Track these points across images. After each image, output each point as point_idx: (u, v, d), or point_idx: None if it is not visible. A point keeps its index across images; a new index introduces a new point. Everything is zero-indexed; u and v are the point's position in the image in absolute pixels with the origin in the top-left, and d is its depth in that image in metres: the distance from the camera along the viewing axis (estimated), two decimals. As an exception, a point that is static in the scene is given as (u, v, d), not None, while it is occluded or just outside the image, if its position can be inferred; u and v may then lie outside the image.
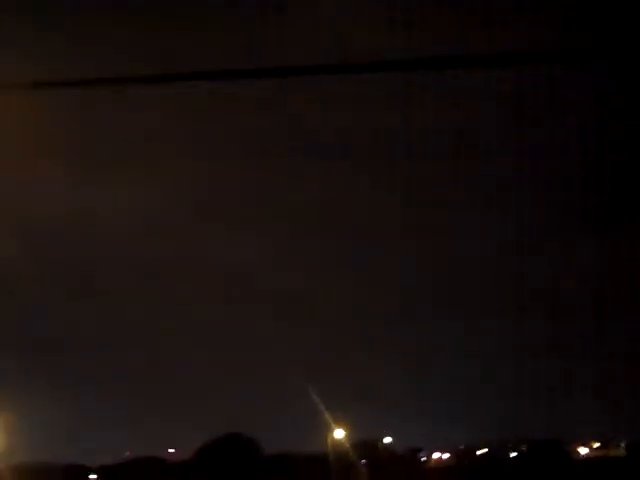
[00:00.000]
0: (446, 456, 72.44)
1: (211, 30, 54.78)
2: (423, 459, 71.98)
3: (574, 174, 63.17)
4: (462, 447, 72.54)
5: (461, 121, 62.78)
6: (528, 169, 65.63)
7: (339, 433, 58.12)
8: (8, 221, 58.04)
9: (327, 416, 55.17)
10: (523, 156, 63.28)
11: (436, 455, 72.60)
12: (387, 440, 67.57)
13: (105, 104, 48.23)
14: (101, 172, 62.07)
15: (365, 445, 63.06)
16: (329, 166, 65.97)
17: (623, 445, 70.72)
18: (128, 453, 64.47)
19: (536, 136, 64.52)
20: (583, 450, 71.71)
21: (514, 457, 69.80)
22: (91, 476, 64.75)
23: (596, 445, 72.77)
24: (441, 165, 64.61)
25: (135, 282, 70.57)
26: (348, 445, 59.00)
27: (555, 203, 69.00)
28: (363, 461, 61.09)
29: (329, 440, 57.96)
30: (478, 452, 71.46)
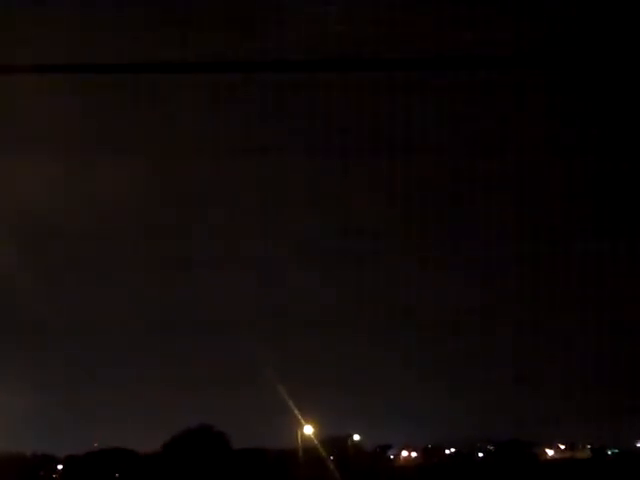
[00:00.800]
0: (414, 454, 72.82)
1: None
2: (391, 457, 72.30)
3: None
4: (430, 446, 72.96)
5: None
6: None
7: (308, 429, 58.31)
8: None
9: (297, 413, 55.34)
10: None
11: (404, 453, 72.94)
12: (356, 437, 67.81)
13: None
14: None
15: (334, 441, 63.26)
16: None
17: (589, 447, 71.67)
18: (95, 444, 64.07)
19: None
20: (549, 452, 72.46)
21: (482, 457, 70.39)
22: (58, 466, 64.32)
23: (562, 447, 73.57)
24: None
25: (118, 273, 70.21)
26: (317, 441, 59.16)
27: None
28: (331, 457, 61.24)
29: (299, 436, 58.13)
30: (447, 451, 71.95)
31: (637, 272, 68.42)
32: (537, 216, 70.62)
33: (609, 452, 70.30)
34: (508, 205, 71.87)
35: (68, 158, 58.21)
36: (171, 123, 63.56)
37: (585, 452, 71.48)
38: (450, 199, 71.03)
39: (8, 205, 58.66)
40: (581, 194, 69.60)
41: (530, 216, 70.16)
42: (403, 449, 72.75)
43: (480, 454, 71.01)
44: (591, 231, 70.08)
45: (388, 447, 71.62)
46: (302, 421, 57.12)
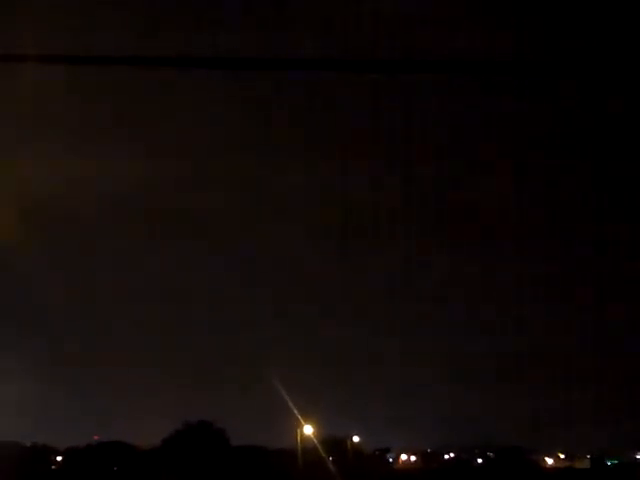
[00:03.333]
0: (413, 458, 72.70)
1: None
2: (390, 460, 72.16)
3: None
4: (429, 450, 72.85)
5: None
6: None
7: (308, 429, 58.13)
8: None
9: (297, 413, 55.20)
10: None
11: (404, 457, 72.84)
12: (356, 439, 67.63)
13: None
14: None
15: (334, 442, 63.07)
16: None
17: (588, 457, 71.43)
18: (95, 437, 64.07)
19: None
20: (549, 460, 72.29)
21: (481, 463, 70.19)
22: (57, 458, 64.34)
23: (562, 456, 73.41)
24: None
25: (120, 264, 70.18)
26: (317, 441, 58.98)
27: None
28: (330, 458, 61.10)
29: (298, 436, 57.92)
30: (445, 456, 71.80)
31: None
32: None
33: (608, 463, 70.09)
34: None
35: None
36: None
37: (584, 462, 71.24)
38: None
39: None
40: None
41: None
42: (402, 453, 72.67)
43: (479, 460, 70.84)
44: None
45: (387, 450, 71.48)
46: (302, 421, 56.97)
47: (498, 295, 73.44)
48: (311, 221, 72.26)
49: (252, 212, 71.29)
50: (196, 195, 69.40)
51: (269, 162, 67.26)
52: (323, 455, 58.53)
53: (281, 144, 65.71)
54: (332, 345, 69.02)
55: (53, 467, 64.03)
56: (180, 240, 72.14)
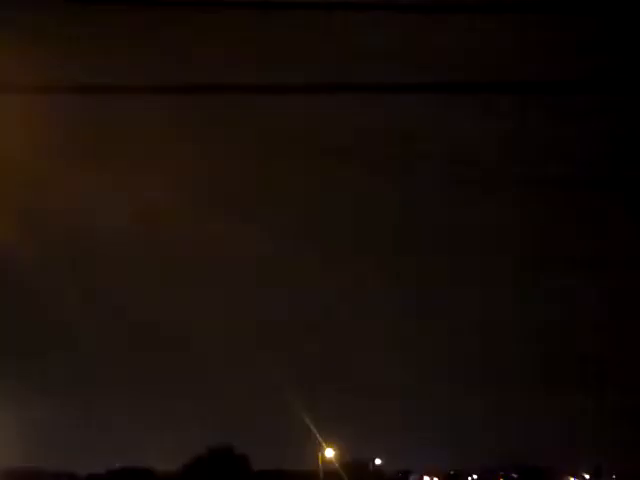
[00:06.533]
0: (435, 480, 72.22)
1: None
2: (412, 482, 71.75)
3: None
4: (452, 472, 72.29)
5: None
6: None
7: (329, 452, 58.02)
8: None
9: (319, 436, 55.18)
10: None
11: (426, 479, 72.31)
12: (377, 462, 67.37)
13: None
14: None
15: (356, 465, 62.89)
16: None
17: (614, 477, 70.54)
18: (117, 464, 64.09)
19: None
20: (573, 481, 71.57)
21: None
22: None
23: (587, 476, 72.52)
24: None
25: (133, 286, 70.32)
26: (338, 464, 58.86)
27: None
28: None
29: (320, 459, 57.83)
30: (469, 478, 71.23)
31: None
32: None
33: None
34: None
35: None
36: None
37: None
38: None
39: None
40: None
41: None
42: (425, 474, 72.13)
43: (503, 482, 70.28)
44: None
45: (409, 472, 71.05)
46: (323, 444, 56.89)
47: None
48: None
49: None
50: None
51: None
52: (345, 478, 58.37)
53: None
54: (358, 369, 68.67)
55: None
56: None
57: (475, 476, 71.40)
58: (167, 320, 68.72)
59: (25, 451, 56.53)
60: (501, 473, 71.09)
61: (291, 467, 62.24)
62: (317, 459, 57.27)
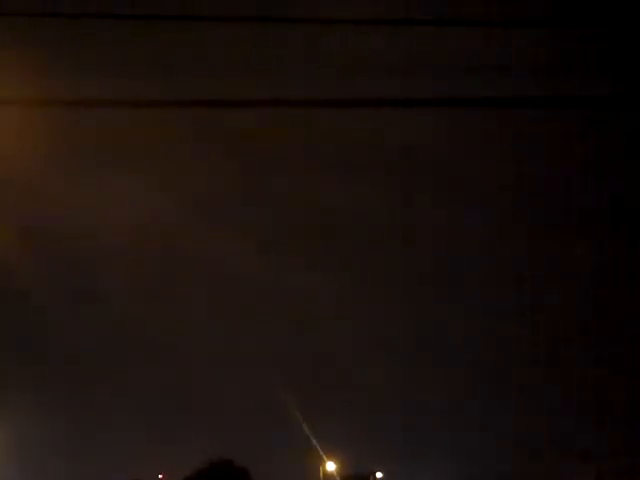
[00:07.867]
0: (438, 495, 71.86)
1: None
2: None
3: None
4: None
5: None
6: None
7: (331, 466, 58.00)
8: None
9: (320, 449, 55.18)
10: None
11: (429, 494, 72.04)
12: (379, 475, 67.19)
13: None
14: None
15: (357, 478, 62.80)
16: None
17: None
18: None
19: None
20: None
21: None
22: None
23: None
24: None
25: (136, 301, 70.32)
26: (339, 478, 58.83)
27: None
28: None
29: (321, 472, 57.82)
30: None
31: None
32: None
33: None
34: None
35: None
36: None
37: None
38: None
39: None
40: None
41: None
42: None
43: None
44: None
45: (410, 486, 70.83)
46: (324, 457, 56.88)
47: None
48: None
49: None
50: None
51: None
52: (345, 492, 58.36)
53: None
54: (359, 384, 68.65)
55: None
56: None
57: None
58: (167, 335, 68.79)
59: (22, 468, 56.55)
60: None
61: (292, 480, 62.22)
62: (318, 472, 57.25)
